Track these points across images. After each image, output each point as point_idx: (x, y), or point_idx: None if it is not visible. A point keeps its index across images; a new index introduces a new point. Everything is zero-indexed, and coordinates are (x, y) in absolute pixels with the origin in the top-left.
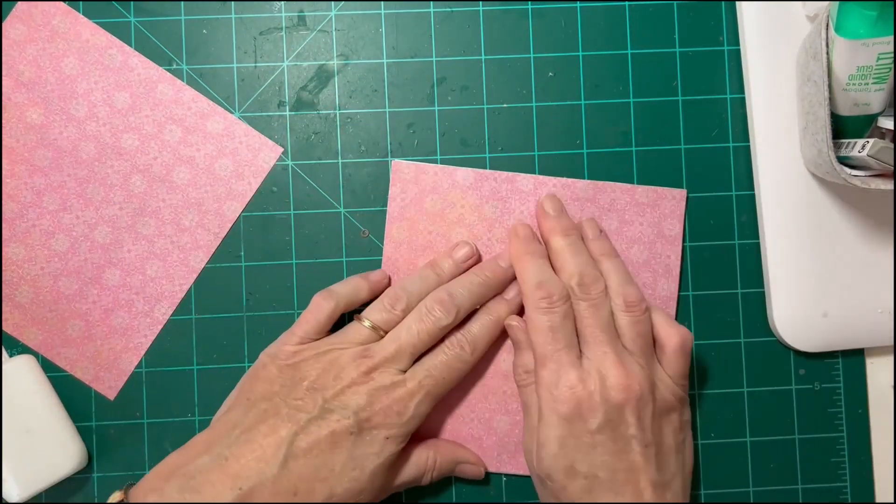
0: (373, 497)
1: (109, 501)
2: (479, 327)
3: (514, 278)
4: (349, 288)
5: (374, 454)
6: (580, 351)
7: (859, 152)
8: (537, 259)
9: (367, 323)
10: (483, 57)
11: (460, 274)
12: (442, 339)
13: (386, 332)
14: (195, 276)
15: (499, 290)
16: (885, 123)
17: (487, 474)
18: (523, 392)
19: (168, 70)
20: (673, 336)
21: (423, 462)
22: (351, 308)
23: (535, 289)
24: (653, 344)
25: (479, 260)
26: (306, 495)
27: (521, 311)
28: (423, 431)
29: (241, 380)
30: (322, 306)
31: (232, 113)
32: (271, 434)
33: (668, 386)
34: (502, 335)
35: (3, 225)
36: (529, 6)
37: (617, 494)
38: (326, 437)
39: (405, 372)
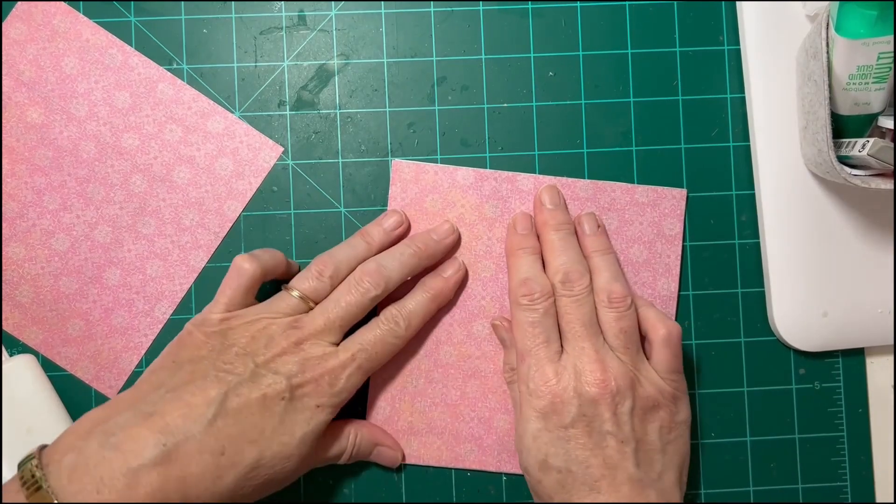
0: (298, 465)
1: (22, 465)
2: (414, 304)
3: (447, 252)
4: (270, 255)
5: (304, 420)
6: (561, 347)
7: (859, 152)
8: (528, 255)
9: (294, 293)
10: (483, 57)
11: (390, 244)
12: (377, 314)
13: (315, 302)
14: (195, 275)
15: (431, 263)
16: (886, 123)
17: (401, 465)
18: (511, 389)
19: (168, 69)
20: (659, 329)
21: (346, 439)
22: (271, 277)
23: (519, 285)
24: (640, 340)
25: (408, 230)
26: (234, 455)
27: (461, 288)
28: (429, 423)
29: (166, 348)
30: (244, 269)
31: (232, 112)
32: (200, 393)
33: (653, 382)
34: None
35: (4, 224)
36: (529, 6)
37: (591, 490)
38: (257, 399)
39: (337, 344)
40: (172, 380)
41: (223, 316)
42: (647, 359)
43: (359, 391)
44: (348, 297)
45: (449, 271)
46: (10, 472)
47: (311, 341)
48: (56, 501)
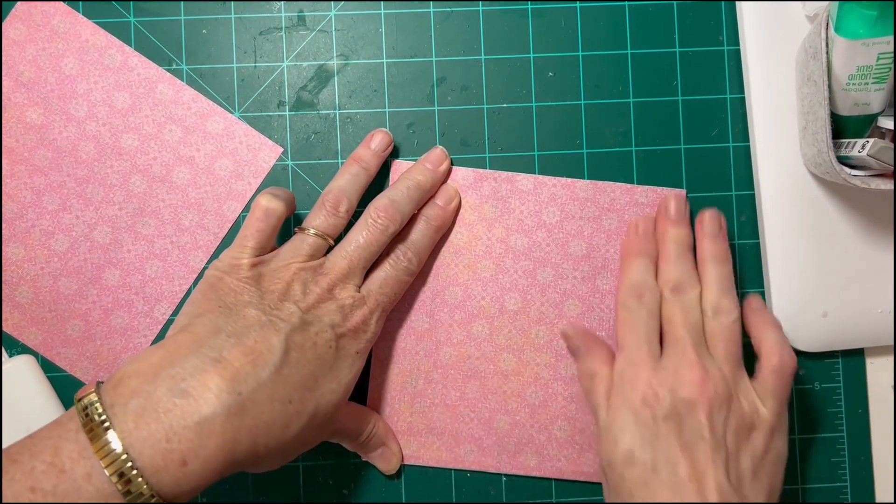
0: (337, 415)
1: (80, 399)
2: (419, 236)
3: (443, 180)
4: (286, 193)
5: (347, 367)
6: (661, 351)
7: (859, 152)
8: (641, 259)
9: (311, 232)
10: (483, 57)
11: (381, 163)
12: (386, 252)
13: (332, 238)
14: (195, 276)
15: (431, 194)
16: (885, 123)
17: (401, 466)
18: (590, 398)
19: (168, 70)
20: (773, 356)
21: (367, 424)
22: (289, 214)
23: (629, 289)
24: (742, 358)
25: (390, 142)
26: (299, 403)
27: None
28: (428, 424)
29: (193, 295)
30: (272, 209)
31: (232, 113)
32: (262, 340)
33: (750, 401)
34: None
35: (3, 225)
36: (529, 6)
37: (674, 491)
38: (311, 347)
39: (359, 286)
40: (229, 324)
41: (252, 261)
42: (748, 378)
43: (359, 391)
44: (368, 236)
45: (442, 199)
46: None
47: (339, 286)
48: (121, 449)
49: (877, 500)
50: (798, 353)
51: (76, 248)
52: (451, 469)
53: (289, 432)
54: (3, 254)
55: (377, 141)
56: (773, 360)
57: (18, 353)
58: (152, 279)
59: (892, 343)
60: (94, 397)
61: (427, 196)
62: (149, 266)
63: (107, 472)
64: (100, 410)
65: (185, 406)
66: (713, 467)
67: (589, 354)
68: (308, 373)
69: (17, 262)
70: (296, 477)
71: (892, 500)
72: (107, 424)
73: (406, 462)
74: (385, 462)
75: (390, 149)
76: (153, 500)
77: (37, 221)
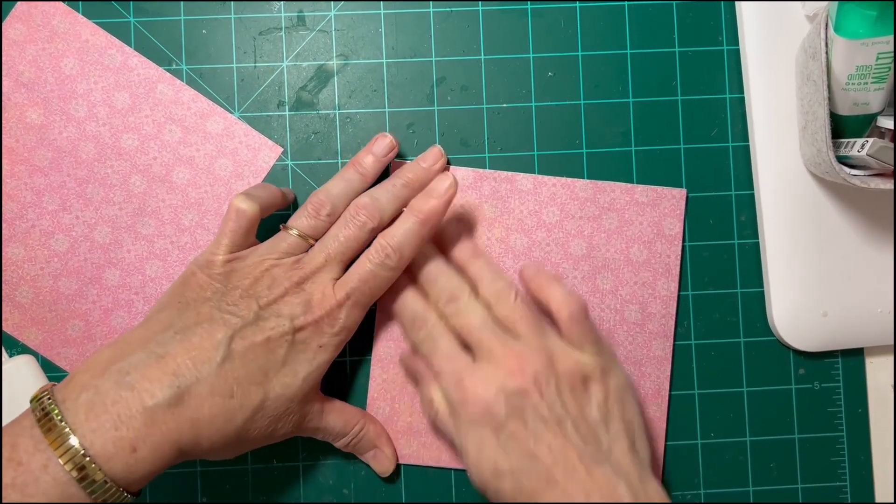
0: (300, 409)
1: (35, 398)
2: (403, 232)
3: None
4: (265, 191)
5: (307, 360)
6: (472, 358)
7: (858, 152)
8: (407, 292)
9: (293, 231)
10: (483, 57)
11: (382, 168)
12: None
13: (314, 239)
14: None
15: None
16: (885, 123)
17: (396, 472)
18: (442, 425)
19: (168, 70)
20: (562, 310)
21: (353, 424)
22: (269, 213)
23: (409, 324)
24: (541, 319)
25: (394, 146)
26: (242, 398)
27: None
28: (428, 424)
29: (170, 287)
30: (242, 210)
31: (231, 113)
32: (207, 336)
33: (568, 353)
34: None
35: (3, 225)
36: (529, 6)
37: (548, 482)
38: (262, 342)
39: (336, 281)
40: (180, 320)
41: (226, 258)
42: (556, 335)
43: (359, 391)
44: (346, 232)
45: (436, 191)
46: None
47: (311, 279)
48: (73, 440)
49: (876, 500)
50: (797, 353)
51: (76, 248)
52: (451, 469)
53: (231, 426)
54: (3, 254)
55: (380, 146)
56: (563, 314)
57: (18, 353)
58: (152, 279)
59: (892, 343)
60: (46, 394)
61: (416, 194)
62: (149, 266)
63: (61, 462)
64: (52, 405)
65: (130, 398)
66: (565, 440)
67: (425, 380)
68: (255, 367)
69: (17, 262)
70: (296, 477)
71: (891, 501)
72: (59, 418)
73: (406, 462)
74: (378, 464)
75: (394, 152)
76: (108, 486)
77: (37, 221)
